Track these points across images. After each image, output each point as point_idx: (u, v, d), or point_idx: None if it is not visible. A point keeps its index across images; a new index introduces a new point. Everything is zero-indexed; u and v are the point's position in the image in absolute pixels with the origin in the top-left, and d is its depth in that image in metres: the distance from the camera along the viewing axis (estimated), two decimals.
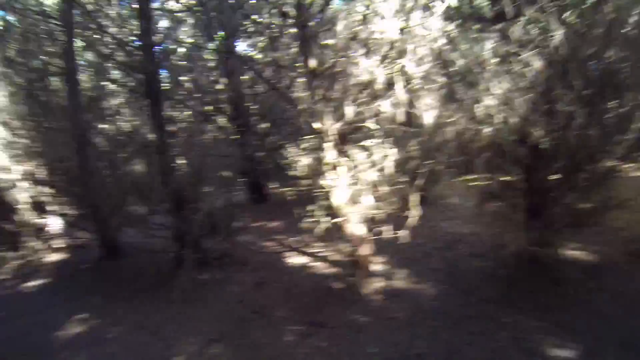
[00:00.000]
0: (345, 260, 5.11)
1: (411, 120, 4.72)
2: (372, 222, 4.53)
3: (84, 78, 7.90)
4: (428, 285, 4.72)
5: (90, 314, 5.40)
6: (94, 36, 7.11)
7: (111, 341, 4.65)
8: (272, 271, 5.73)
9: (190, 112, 6.53)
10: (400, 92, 4.19)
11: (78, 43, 7.43)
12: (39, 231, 8.72)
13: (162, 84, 5.97)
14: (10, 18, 8.11)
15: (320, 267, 5.57)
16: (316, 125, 4.49)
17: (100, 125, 6.98)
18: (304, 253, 6.14)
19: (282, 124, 7.17)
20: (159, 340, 4.46)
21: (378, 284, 4.81)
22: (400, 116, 4.29)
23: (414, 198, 4.34)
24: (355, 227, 4.59)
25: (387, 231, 4.37)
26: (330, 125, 4.43)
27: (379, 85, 4.30)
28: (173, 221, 5.86)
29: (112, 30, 7.42)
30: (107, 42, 7.23)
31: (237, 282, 5.55)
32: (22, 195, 8.19)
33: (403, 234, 4.35)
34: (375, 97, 4.42)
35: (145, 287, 5.87)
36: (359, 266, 4.81)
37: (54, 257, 8.58)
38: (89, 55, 7.88)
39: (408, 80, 4.32)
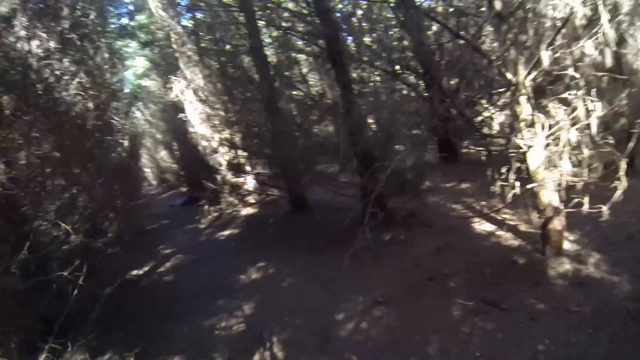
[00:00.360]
0: (535, 232, 4.49)
1: (620, 66, 3.84)
2: (569, 191, 3.80)
3: (270, 53, 8.59)
4: (625, 277, 3.68)
5: (271, 262, 6.06)
6: (273, 15, 7.60)
7: (285, 289, 5.14)
8: (456, 236, 5.38)
9: (377, 72, 6.56)
10: (606, 29, 3.16)
11: (260, 23, 8.11)
12: (236, 189, 10.07)
13: (344, 47, 6.08)
14: (199, 15, 9.37)
15: (506, 237, 4.96)
16: (509, 76, 3.88)
17: (289, 92, 7.52)
18: (492, 220, 5.53)
19: (473, 78, 6.64)
20: (328, 294, 4.70)
21: (566, 266, 4.03)
22: (607, 61, 3.35)
23: (622, 165, 3.42)
24: (550, 196, 3.92)
25: (585, 204, 3.56)
26: (523, 76, 3.78)
27: (579, 22, 3.40)
28: (360, 180, 5.94)
29: (290, 5, 7.91)
30: (286, 16, 7.69)
31: (418, 245, 5.38)
32: (222, 158, 9.50)
33: (604, 209, 3.47)
34: (575, 38, 3.55)
35: (325, 242, 6.22)
36: (549, 242, 4.15)
37: (247, 211, 9.82)
38: (272, 32, 8.48)
39: (616, 12, 3.47)
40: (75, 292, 3.75)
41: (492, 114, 6.69)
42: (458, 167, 8.66)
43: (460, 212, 6.24)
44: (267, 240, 7.21)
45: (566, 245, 4.24)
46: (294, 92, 7.20)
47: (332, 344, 3.72)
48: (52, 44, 4.64)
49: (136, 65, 16.26)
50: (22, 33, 4.29)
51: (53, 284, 4.08)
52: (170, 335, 4.51)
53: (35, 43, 4.39)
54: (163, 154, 18.18)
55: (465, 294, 3.98)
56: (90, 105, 5.26)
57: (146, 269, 7.14)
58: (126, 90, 13.99)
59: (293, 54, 7.45)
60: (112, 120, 6.47)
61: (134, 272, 6.97)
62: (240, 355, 3.86)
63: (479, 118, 6.75)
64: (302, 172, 7.69)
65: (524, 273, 4.10)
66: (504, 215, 5.48)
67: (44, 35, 4.48)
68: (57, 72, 4.70)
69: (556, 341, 3.08)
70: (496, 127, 7.33)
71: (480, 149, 7.88)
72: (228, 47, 8.91)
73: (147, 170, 26.23)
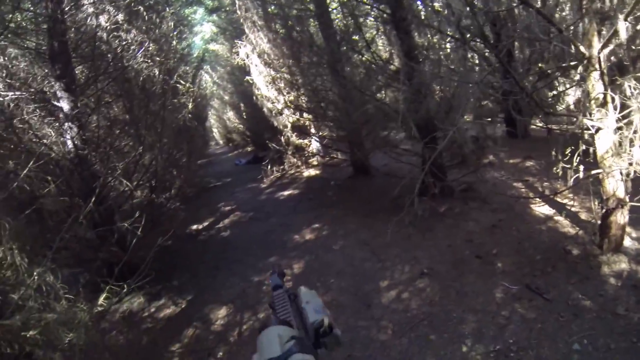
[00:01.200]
0: (593, 222, 4.05)
1: None
2: (637, 183, 3.48)
3: (336, 17, 8.53)
4: None
5: (326, 224, 6.26)
6: None
7: (335, 251, 5.29)
8: (512, 216, 5.16)
9: (447, 39, 6.33)
10: None
11: None
12: (300, 150, 10.34)
13: (410, 12, 5.91)
14: None
15: (563, 223, 4.66)
16: (582, 49, 3.42)
17: (354, 57, 7.51)
18: (552, 202, 5.22)
19: (544, 49, 6.17)
20: (376, 260, 4.80)
21: (622, 264, 3.68)
22: None
23: None
24: (615, 185, 3.52)
25: None
26: (597, 49, 3.33)
27: None
28: (421, 148, 5.89)
29: None
30: None
31: (472, 220, 5.26)
32: (286, 120, 9.73)
33: None
34: None
35: (382, 208, 6.27)
36: (608, 235, 3.78)
37: (309, 172, 10.08)
38: None
39: None
40: (135, 241, 4.22)
41: (563, 90, 6.30)
42: (524, 143, 8.18)
43: (520, 191, 5.98)
44: (326, 202, 7.39)
45: (627, 242, 3.87)
46: (360, 57, 7.12)
47: (371, 310, 3.84)
48: (120, 17, 5.00)
49: (204, 31, 16.80)
50: (90, 10, 4.67)
51: (115, 234, 4.59)
52: (220, 287, 4.89)
53: (103, 17, 4.77)
54: (230, 114, 18.79)
55: (511, 277, 3.89)
56: (157, 71, 5.63)
57: (205, 224, 7.66)
58: (194, 55, 14.59)
59: (360, 18, 7.31)
60: (178, 85, 6.82)
61: (194, 227, 7.51)
62: None
63: (548, 93, 6.36)
64: (365, 137, 7.78)
65: (575, 265, 3.85)
66: (564, 200, 5.17)
67: (112, 9, 4.84)
68: (125, 43, 5.10)
69: (595, 343, 2.91)
70: (568, 104, 6.88)
71: (543, 126, 7.39)
72: (294, 11, 8.94)
73: (214, 130, 27.35)
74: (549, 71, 5.09)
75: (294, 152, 10.37)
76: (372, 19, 7.73)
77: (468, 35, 5.70)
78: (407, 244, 4.98)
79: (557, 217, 4.80)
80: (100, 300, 3.50)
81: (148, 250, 4.11)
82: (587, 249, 4.00)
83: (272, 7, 8.89)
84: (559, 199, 5.21)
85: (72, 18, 4.69)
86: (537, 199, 5.44)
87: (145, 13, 5.58)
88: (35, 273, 2.47)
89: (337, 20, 8.56)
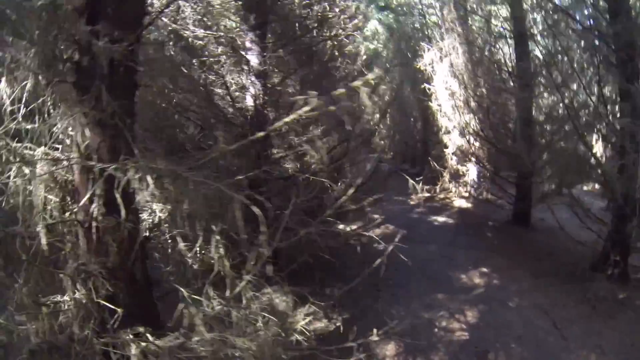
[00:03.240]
0: None
1: None
2: None
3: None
4: None
5: (495, 273, 5.70)
6: None
7: (512, 310, 4.73)
8: None
9: None
10: None
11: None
12: (456, 177, 9.86)
13: None
14: None
15: None
16: None
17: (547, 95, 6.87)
18: None
19: None
20: (560, 336, 4.21)
21: None
22: None
23: None
24: None
25: None
26: None
27: None
28: (614, 220, 5.24)
29: None
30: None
31: None
32: (453, 141, 9.30)
33: None
34: None
35: (553, 271, 5.67)
36: None
37: (460, 203, 9.49)
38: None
39: None
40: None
41: None
42: None
43: None
44: (486, 245, 6.85)
45: None
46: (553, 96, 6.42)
47: None
48: None
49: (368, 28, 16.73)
50: None
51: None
52: (384, 313, 4.42)
53: None
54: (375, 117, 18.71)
55: None
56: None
57: (354, 227, 7.46)
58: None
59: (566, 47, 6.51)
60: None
61: (341, 225, 7.26)
62: None
63: None
64: (538, 184, 7.08)
65: None
66: None
67: None
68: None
69: None
70: None
71: None
72: (492, 26, 8.45)
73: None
74: None
75: (451, 177, 9.92)
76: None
77: None
78: (588, 327, 4.36)
79: None
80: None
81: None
82: None
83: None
84: None
85: None
86: None
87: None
88: None
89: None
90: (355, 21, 5.44)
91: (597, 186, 7.26)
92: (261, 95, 4.25)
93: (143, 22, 2.41)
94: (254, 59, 4.28)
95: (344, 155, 5.27)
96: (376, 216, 8.18)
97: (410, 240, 6.85)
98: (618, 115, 5.33)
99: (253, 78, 4.25)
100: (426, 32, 11.22)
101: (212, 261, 2.24)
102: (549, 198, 6.53)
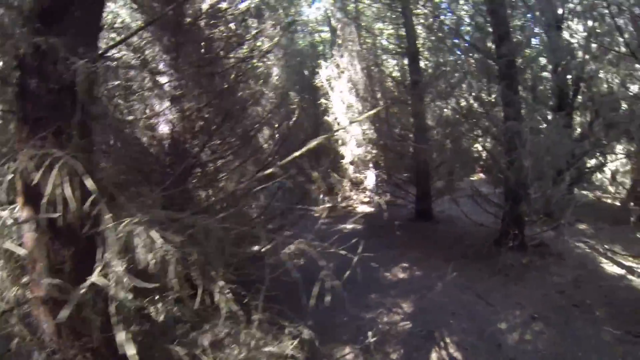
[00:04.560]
0: None
1: None
2: None
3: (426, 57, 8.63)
4: None
5: (414, 265, 6.18)
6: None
7: (440, 292, 5.14)
8: (588, 272, 5.57)
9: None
10: None
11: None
12: (356, 184, 10.28)
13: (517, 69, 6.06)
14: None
15: (637, 282, 5.18)
16: None
17: (439, 101, 7.61)
18: (620, 264, 5.76)
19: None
20: (486, 304, 4.79)
21: None
22: None
23: None
24: None
25: None
26: None
27: None
28: (507, 201, 6.14)
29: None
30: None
31: (555, 274, 5.54)
32: (351, 151, 9.70)
33: None
34: None
35: (463, 254, 6.31)
36: None
37: (363, 209, 9.98)
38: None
39: None
40: None
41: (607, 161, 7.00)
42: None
43: (585, 250, 6.42)
44: (398, 243, 7.26)
45: None
46: (444, 102, 7.20)
47: (504, 350, 3.85)
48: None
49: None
50: None
51: None
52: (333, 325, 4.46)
53: None
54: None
55: (611, 324, 4.14)
56: None
57: (268, 246, 7.30)
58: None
59: (450, 61, 7.39)
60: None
61: (255, 247, 7.12)
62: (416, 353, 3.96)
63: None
64: (436, 182, 7.76)
65: None
66: (631, 262, 5.65)
67: None
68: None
69: None
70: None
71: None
72: (386, 44, 9.12)
73: None
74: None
75: (351, 185, 10.32)
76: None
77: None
78: (506, 291, 5.11)
79: (630, 277, 5.32)
80: None
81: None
82: None
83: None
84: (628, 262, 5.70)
85: None
86: (606, 259, 5.94)
87: None
88: None
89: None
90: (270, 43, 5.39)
91: (482, 175, 8.15)
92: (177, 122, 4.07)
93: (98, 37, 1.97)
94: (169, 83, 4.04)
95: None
96: (289, 233, 8.20)
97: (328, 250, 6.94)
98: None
99: (168, 103, 4.03)
100: (321, 51, 11.67)
101: None
102: (448, 192, 7.21)
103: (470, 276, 5.52)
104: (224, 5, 4.49)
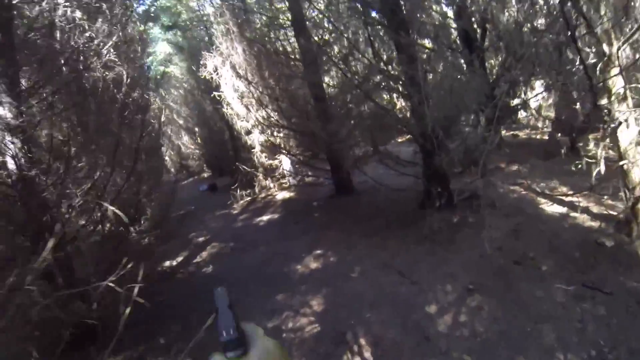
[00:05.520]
0: (608, 214, 4.42)
1: None
2: None
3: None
4: None
5: (330, 249, 5.46)
6: None
7: (355, 279, 4.48)
8: (527, 218, 5.01)
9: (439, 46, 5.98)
10: None
11: None
12: (270, 172, 9.54)
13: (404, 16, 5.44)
14: None
15: (581, 219, 4.65)
16: (604, 47, 3.58)
17: (334, 68, 6.95)
18: (560, 202, 5.27)
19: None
20: (409, 283, 4.12)
21: None
22: None
23: None
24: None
25: None
26: (617, 47, 3.45)
27: None
28: (424, 158, 5.56)
29: None
30: None
31: (490, 227, 4.58)
32: (256, 139, 8.92)
33: None
34: None
35: (385, 225, 5.72)
36: (637, 222, 3.91)
37: (283, 195, 9.33)
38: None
39: None
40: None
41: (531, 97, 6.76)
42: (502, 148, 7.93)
43: (521, 193, 5.91)
44: (316, 225, 6.65)
45: None
46: (340, 68, 6.47)
47: (433, 343, 3.16)
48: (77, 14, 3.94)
49: (158, 51, 15.62)
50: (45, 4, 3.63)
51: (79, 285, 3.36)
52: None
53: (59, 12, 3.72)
54: (185, 139, 17.60)
55: (561, 277, 3.65)
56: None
57: (180, 259, 6.47)
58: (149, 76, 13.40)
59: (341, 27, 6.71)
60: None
61: (167, 263, 6.25)
62: None
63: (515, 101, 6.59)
64: (347, 152, 7.15)
65: (614, 255, 3.83)
66: (572, 198, 5.19)
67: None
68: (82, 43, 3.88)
69: None
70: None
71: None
72: (268, 20, 8.33)
73: (166, 157, 25.72)
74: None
75: (265, 173, 9.56)
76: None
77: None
78: (434, 260, 4.44)
79: (573, 214, 4.81)
80: None
81: (117, 303, 2.78)
82: (618, 239, 4.04)
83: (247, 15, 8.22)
84: (567, 197, 5.31)
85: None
86: (544, 199, 5.51)
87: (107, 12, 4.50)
88: None
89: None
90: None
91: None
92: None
93: None
94: (6, 114, 3.31)
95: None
96: (201, 239, 7.38)
97: (240, 250, 6.22)
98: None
99: (9, 138, 3.30)
100: (214, 43, 10.74)
101: None
102: (361, 161, 6.62)
103: (393, 250, 4.91)
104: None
